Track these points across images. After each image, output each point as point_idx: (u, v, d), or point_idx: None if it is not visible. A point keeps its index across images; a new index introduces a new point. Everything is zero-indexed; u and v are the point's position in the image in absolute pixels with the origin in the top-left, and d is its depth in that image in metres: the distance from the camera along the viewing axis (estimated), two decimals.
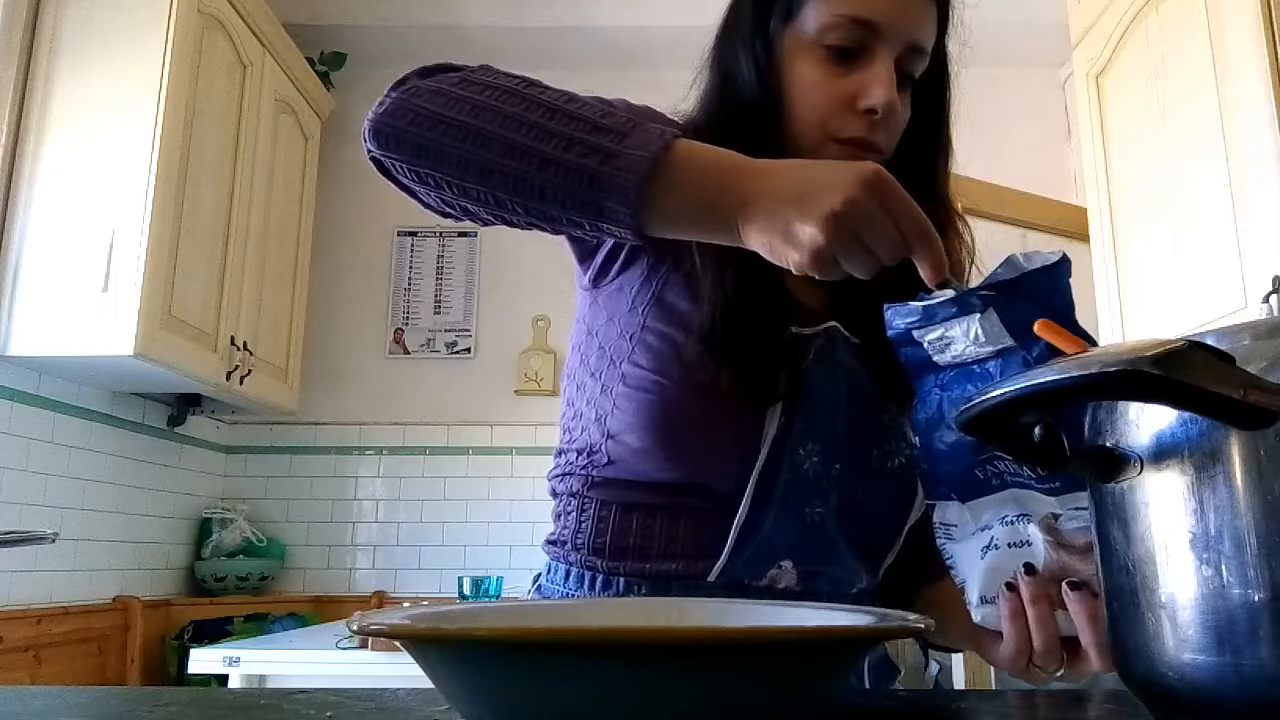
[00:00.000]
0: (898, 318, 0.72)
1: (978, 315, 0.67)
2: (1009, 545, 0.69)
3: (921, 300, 0.70)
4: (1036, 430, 0.45)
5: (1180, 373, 0.36)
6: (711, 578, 0.79)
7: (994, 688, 2.22)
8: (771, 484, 0.79)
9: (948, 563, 0.73)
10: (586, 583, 0.83)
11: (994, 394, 0.42)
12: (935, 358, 0.71)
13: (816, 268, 0.61)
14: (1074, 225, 2.74)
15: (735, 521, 0.79)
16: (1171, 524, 0.42)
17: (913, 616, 0.45)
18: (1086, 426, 0.48)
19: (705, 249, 0.80)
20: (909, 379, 0.74)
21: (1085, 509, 0.65)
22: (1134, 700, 0.49)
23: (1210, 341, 0.39)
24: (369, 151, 0.72)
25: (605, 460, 0.83)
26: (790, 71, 0.82)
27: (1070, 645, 0.67)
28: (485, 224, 0.74)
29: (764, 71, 0.83)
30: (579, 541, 0.85)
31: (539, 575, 0.92)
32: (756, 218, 0.62)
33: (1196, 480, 0.41)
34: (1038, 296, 0.66)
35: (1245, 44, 1.89)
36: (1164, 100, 2.18)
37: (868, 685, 0.86)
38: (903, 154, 0.84)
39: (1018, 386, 0.41)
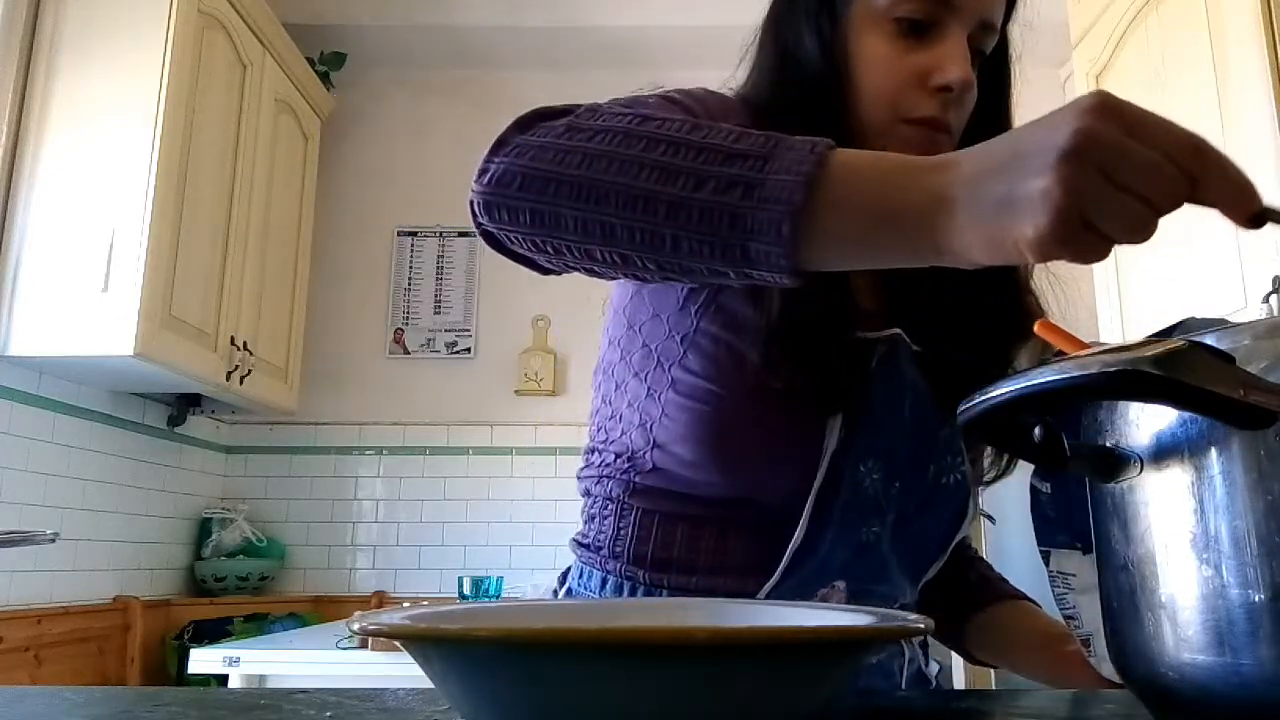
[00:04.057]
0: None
1: None
2: None
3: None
4: (1036, 430, 0.45)
5: (1180, 373, 0.36)
6: (761, 595, 0.75)
7: (994, 688, 2.22)
8: (830, 503, 0.75)
9: (1067, 613, 0.71)
10: (626, 592, 0.79)
11: (994, 394, 0.42)
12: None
13: (1063, 237, 0.44)
14: None
15: (791, 543, 0.75)
16: (1171, 524, 0.42)
17: (913, 616, 0.45)
18: (1086, 426, 0.48)
19: None
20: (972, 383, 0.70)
21: None
22: (1134, 700, 0.49)
23: (1210, 341, 0.39)
24: (479, 225, 0.64)
25: (649, 467, 0.79)
26: (857, 46, 0.77)
27: None
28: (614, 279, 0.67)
29: (829, 46, 0.78)
30: (618, 550, 0.80)
31: (566, 574, 0.88)
32: (959, 208, 0.48)
33: (1196, 480, 0.41)
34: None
35: (1245, 44, 1.89)
36: (1164, 100, 2.18)
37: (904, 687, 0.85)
38: (964, 142, 0.75)
39: (1018, 386, 0.41)
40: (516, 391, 3.28)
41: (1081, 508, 0.69)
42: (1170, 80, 2.16)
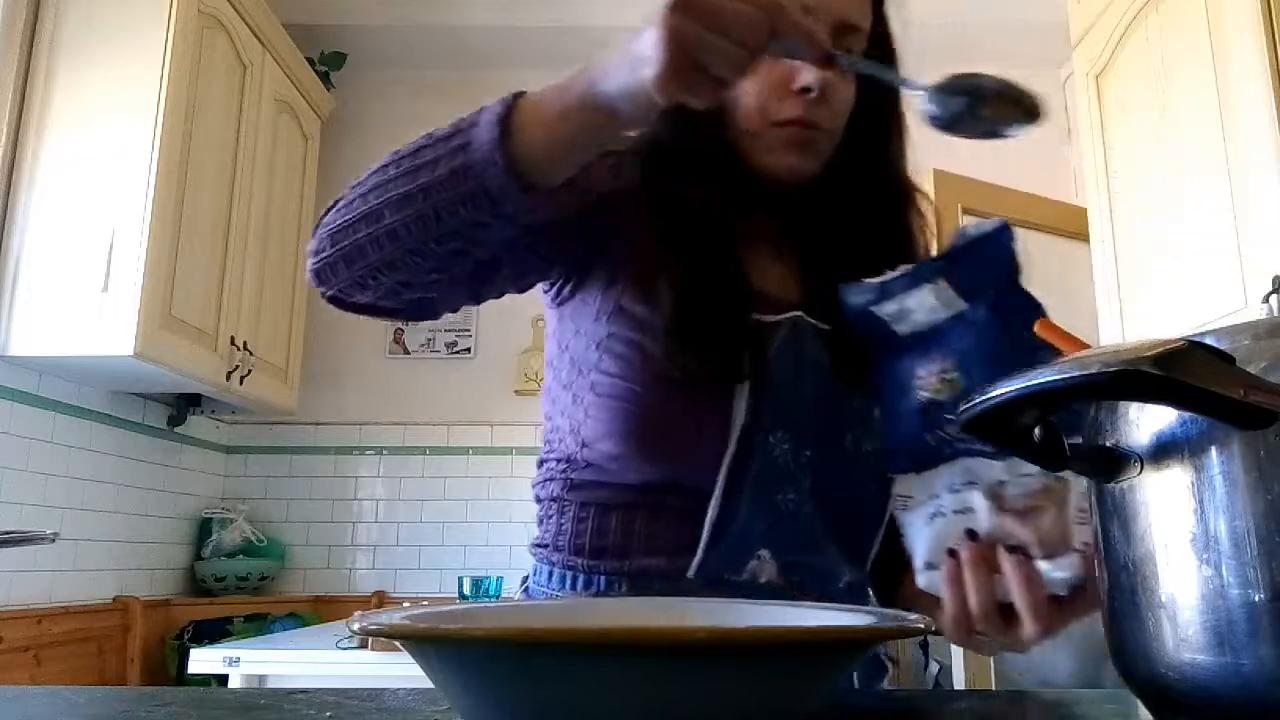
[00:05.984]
0: (853, 295, 0.77)
1: (930, 285, 0.73)
2: (954, 512, 0.72)
3: (878, 279, 0.76)
4: (1036, 430, 0.45)
5: (1180, 373, 0.36)
6: (690, 573, 0.79)
7: (994, 688, 2.22)
8: (743, 474, 0.80)
9: (902, 532, 0.76)
10: (569, 583, 0.84)
11: (994, 394, 0.42)
12: (896, 328, 0.75)
13: (676, 74, 0.58)
14: (1074, 225, 2.74)
15: (709, 515, 0.79)
16: (1171, 524, 0.42)
17: (912, 616, 0.45)
18: (1086, 426, 0.48)
19: (660, 245, 0.82)
20: (871, 358, 0.77)
21: (1032, 475, 0.69)
22: (1134, 700, 0.49)
23: (1210, 341, 0.39)
24: (323, 295, 0.77)
25: (583, 465, 0.85)
26: None
27: (1009, 612, 0.67)
28: (442, 306, 0.80)
29: None
30: (560, 543, 0.85)
31: (526, 578, 0.93)
32: (606, 78, 0.63)
33: (1196, 480, 0.41)
34: (985, 262, 0.73)
35: (1245, 44, 1.89)
36: (1164, 100, 2.18)
37: (855, 684, 0.86)
38: (854, 134, 0.86)
39: (1018, 386, 0.41)
40: (516, 391, 3.28)
41: (902, 426, 0.75)
42: (1170, 80, 2.16)
